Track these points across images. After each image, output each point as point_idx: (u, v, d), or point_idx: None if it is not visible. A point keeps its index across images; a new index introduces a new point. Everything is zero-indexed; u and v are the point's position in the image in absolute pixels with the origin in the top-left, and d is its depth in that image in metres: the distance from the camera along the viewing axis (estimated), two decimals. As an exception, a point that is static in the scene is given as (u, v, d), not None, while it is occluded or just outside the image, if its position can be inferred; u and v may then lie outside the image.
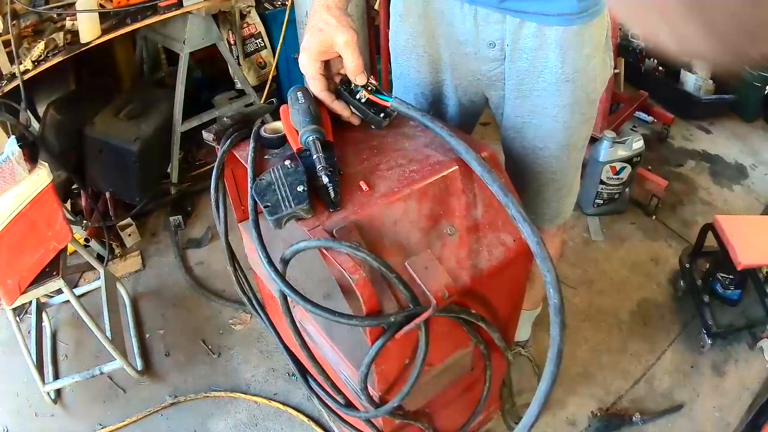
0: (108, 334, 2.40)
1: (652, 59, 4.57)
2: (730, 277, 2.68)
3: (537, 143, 1.66)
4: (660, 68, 4.70)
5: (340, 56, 1.31)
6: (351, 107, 1.37)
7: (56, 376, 2.58)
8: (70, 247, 2.45)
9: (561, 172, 1.75)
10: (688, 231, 3.31)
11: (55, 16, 2.74)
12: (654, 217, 3.43)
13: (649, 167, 3.67)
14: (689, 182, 3.77)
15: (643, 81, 4.54)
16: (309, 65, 1.32)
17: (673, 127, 4.20)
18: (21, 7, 2.64)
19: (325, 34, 1.29)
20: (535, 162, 1.70)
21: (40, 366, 2.47)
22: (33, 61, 2.52)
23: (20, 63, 2.49)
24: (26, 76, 2.51)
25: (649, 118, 4.34)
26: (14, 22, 2.55)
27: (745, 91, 4.43)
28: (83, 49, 2.65)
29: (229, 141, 1.38)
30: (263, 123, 1.40)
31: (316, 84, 1.33)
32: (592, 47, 1.54)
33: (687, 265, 2.87)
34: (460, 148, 1.24)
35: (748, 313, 2.70)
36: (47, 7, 2.76)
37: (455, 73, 1.66)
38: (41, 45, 2.55)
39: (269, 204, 1.16)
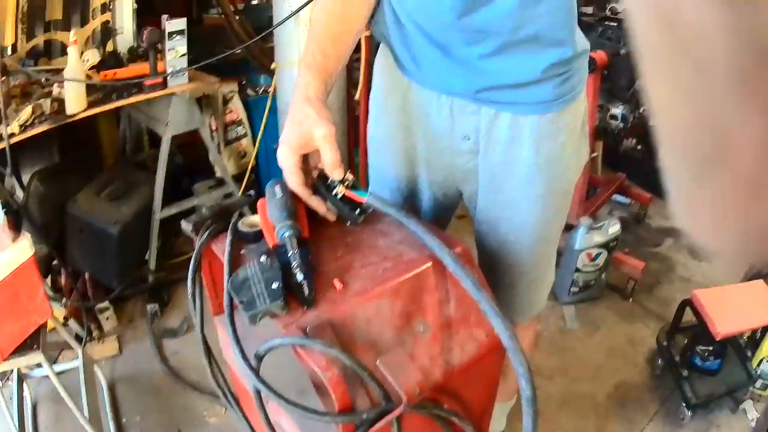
0: (86, 414, 2.37)
1: (630, 139, 4.64)
2: (710, 348, 2.69)
3: (509, 238, 1.68)
4: (638, 147, 4.76)
5: (318, 149, 1.33)
6: (327, 202, 1.39)
7: (38, 448, 2.56)
8: (50, 324, 2.43)
9: (534, 266, 1.77)
10: (666, 310, 3.32)
11: (43, 80, 2.76)
12: (631, 299, 3.45)
13: (626, 250, 3.71)
14: (667, 261, 3.81)
15: (620, 162, 4.60)
16: (287, 159, 1.33)
17: (652, 207, 4.24)
18: (11, 64, 2.66)
19: (304, 128, 1.31)
20: (507, 256, 1.71)
21: (21, 432, 2.45)
22: (20, 126, 2.53)
23: (8, 125, 2.49)
24: (12, 140, 2.51)
25: (627, 200, 4.38)
26: (3, 78, 2.57)
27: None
28: (69, 120, 2.67)
29: (206, 234, 1.39)
30: (241, 215, 1.42)
31: (293, 178, 1.34)
32: (567, 135, 1.56)
33: (664, 343, 2.89)
34: (434, 244, 1.26)
35: (728, 380, 2.71)
36: (36, 68, 2.78)
37: (430, 167, 1.69)
38: (28, 109, 2.56)
39: (244, 300, 1.17)
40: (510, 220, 1.65)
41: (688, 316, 2.76)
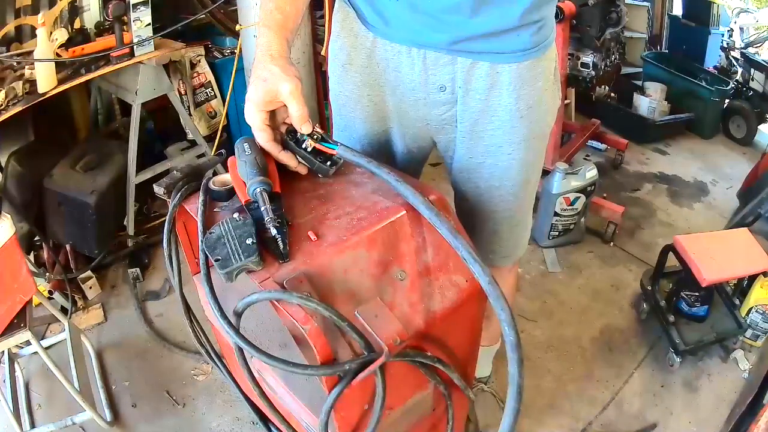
0: (76, 385, 2.38)
1: (603, 87, 4.64)
2: (696, 294, 2.70)
3: (493, 182, 1.68)
4: (612, 95, 4.77)
5: (285, 106, 1.31)
6: (298, 156, 1.37)
7: (32, 425, 2.56)
8: (35, 300, 2.45)
9: (517, 210, 1.77)
10: (649, 254, 3.35)
11: (15, 64, 2.73)
12: (612, 243, 3.47)
13: (605, 195, 3.72)
14: (647, 206, 3.82)
15: (594, 109, 4.60)
16: (254, 116, 1.32)
17: (628, 153, 4.26)
18: (-16, 54, 2.64)
19: (269, 84, 1.29)
20: (490, 201, 1.71)
21: (17, 414, 2.45)
22: (-5, 110, 2.52)
23: (-18, 112, 2.47)
24: (-12, 125, 2.49)
25: (603, 146, 4.39)
26: (-23, 65, 2.54)
27: (703, 108, 4.50)
28: (41, 99, 2.65)
29: (179, 195, 1.38)
30: (215, 174, 1.40)
31: (262, 135, 1.33)
32: (544, 80, 1.56)
33: (649, 288, 2.90)
34: (407, 192, 1.25)
35: (717, 327, 2.72)
36: (7, 54, 2.76)
37: (402, 120, 1.67)
38: (2, 94, 2.54)
39: (219, 257, 1.16)
40: (492, 165, 1.64)
41: (672, 261, 2.77)
